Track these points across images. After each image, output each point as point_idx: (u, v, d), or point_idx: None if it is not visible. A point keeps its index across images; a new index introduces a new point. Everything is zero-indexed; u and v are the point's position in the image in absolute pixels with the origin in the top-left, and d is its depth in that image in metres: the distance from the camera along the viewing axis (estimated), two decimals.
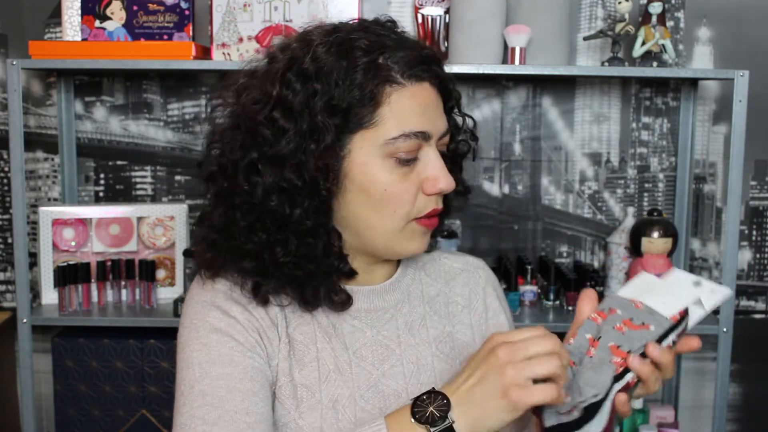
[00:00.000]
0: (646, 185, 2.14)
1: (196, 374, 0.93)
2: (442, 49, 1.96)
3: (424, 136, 0.95)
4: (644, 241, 1.89)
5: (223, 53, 1.84)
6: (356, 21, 1.00)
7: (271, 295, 0.98)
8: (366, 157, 0.94)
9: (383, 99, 0.93)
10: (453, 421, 0.85)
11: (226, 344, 0.95)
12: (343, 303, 1.00)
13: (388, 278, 1.07)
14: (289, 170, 0.93)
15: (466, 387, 0.86)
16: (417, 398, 0.88)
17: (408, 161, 0.95)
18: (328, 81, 0.92)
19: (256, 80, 0.98)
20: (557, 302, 1.96)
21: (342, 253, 0.99)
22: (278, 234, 0.95)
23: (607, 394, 0.86)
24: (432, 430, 0.85)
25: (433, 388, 0.88)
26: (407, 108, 0.94)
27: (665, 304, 0.91)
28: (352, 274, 1.00)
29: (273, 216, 0.94)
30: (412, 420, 0.86)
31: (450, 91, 1.02)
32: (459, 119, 1.07)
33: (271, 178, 0.93)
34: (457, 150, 1.08)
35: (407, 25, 2.07)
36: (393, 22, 1.01)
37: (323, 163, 0.93)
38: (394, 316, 1.05)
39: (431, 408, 0.86)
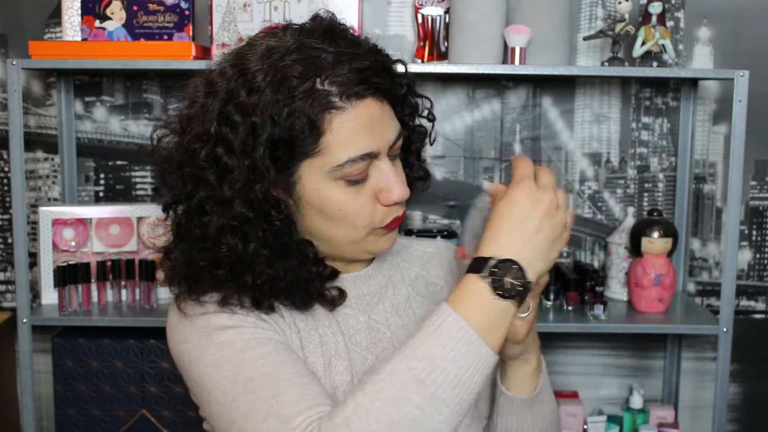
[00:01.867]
0: (646, 185, 2.14)
1: (231, 369, 0.92)
2: (442, 49, 1.96)
3: (371, 156, 0.95)
4: (644, 241, 1.89)
5: (223, 53, 1.83)
6: (298, 29, 0.97)
7: (276, 303, 0.99)
8: (315, 182, 0.95)
9: (325, 126, 0.92)
10: (530, 282, 0.87)
11: (245, 332, 0.94)
12: (336, 300, 1.02)
13: (368, 265, 1.10)
14: (238, 207, 0.93)
15: (527, 241, 0.87)
16: (482, 269, 0.86)
17: (359, 181, 0.96)
18: (266, 115, 0.90)
19: (196, 111, 0.96)
20: (557, 302, 1.96)
21: (318, 258, 1.00)
22: (239, 265, 0.95)
23: None
24: (517, 300, 0.86)
25: (487, 255, 0.87)
26: (351, 132, 0.93)
27: None
28: (334, 274, 1.02)
29: (229, 254, 0.94)
30: (495, 297, 0.86)
31: (395, 86, 1.00)
32: (414, 103, 1.07)
33: (221, 218, 0.93)
34: (411, 136, 1.07)
35: (407, 25, 2.07)
36: (333, 24, 0.99)
37: (271, 195, 0.94)
38: (381, 300, 1.08)
39: (508, 279, 0.86)
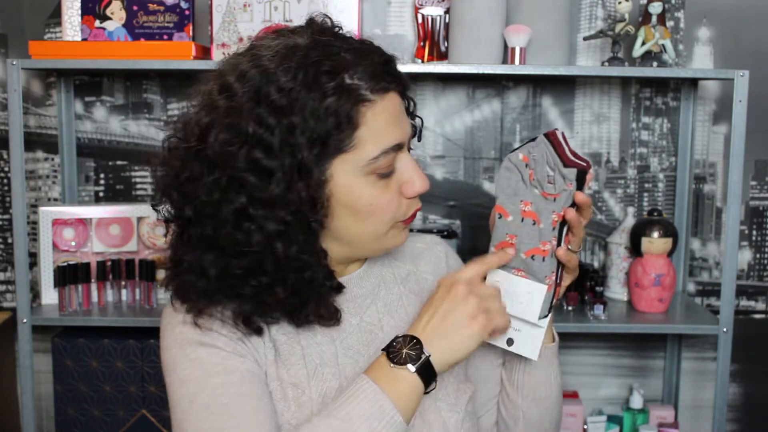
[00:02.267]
0: (646, 185, 2.14)
1: (193, 389, 0.93)
2: (442, 49, 1.96)
3: (399, 147, 0.97)
4: (644, 241, 1.89)
5: (223, 53, 1.84)
6: (303, 30, 0.97)
7: (263, 323, 0.98)
8: (348, 179, 0.95)
9: (359, 120, 0.93)
10: (429, 355, 0.93)
11: (217, 354, 0.95)
12: (333, 317, 1.01)
13: (361, 266, 1.10)
14: (281, 210, 0.91)
15: (433, 323, 0.95)
16: (388, 347, 0.94)
17: (388, 174, 0.97)
18: (304, 113, 0.90)
19: (218, 116, 0.93)
20: (557, 302, 1.95)
21: (331, 272, 1.00)
22: (278, 274, 0.94)
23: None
24: (412, 368, 0.92)
25: (398, 335, 0.95)
26: (382, 124, 0.95)
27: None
28: (340, 289, 1.02)
29: (274, 259, 0.93)
30: (391, 365, 0.92)
31: (408, 86, 1.03)
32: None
33: (269, 222, 0.91)
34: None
35: (407, 25, 2.07)
36: (334, 25, 1.00)
37: (311, 196, 0.93)
38: (374, 301, 1.08)
39: (405, 350, 0.93)
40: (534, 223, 1.02)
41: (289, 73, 0.91)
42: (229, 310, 0.96)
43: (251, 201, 0.91)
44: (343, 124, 0.92)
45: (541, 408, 1.12)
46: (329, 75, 0.91)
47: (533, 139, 1.05)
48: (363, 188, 0.96)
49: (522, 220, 1.02)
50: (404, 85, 1.00)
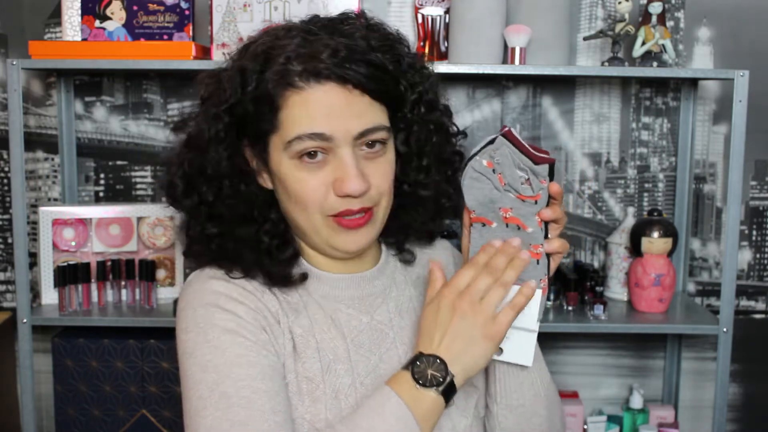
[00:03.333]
0: (646, 185, 2.14)
1: (214, 377, 0.93)
2: (442, 49, 1.96)
3: (322, 137, 0.96)
4: (644, 241, 1.89)
5: (223, 53, 1.82)
6: (288, 23, 1.03)
7: (254, 299, 1.01)
8: (279, 158, 0.99)
9: (282, 103, 0.96)
10: (453, 376, 0.93)
11: (241, 345, 0.95)
12: (296, 279, 1.04)
13: (375, 265, 1.10)
14: (204, 161, 1.01)
15: (446, 343, 0.94)
16: (411, 365, 0.94)
17: (312, 156, 0.97)
18: (233, 87, 0.98)
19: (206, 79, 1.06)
20: (557, 302, 1.96)
21: (283, 234, 1.04)
22: (223, 226, 1.02)
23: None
24: (438, 390, 0.92)
25: (420, 353, 0.95)
26: (304, 111, 0.96)
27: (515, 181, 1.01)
28: (295, 257, 1.04)
29: (200, 204, 1.02)
30: (417, 386, 0.92)
31: (391, 86, 1.00)
32: (430, 114, 1.07)
33: (193, 166, 1.02)
34: (419, 148, 1.06)
35: (407, 25, 2.07)
36: (346, 15, 1.02)
37: (236, 162, 1.01)
38: (385, 301, 1.09)
39: (430, 371, 0.93)
40: (519, 228, 1.00)
41: (238, 53, 1.01)
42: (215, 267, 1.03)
43: (193, 158, 1.03)
44: (266, 104, 0.97)
45: (517, 415, 1.09)
46: (265, 56, 0.97)
47: (491, 142, 1.02)
48: (288, 170, 0.99)
49: (507, 226, 1.01)
50: (364, 83, 0.96)
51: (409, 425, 0.91)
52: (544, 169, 1.01)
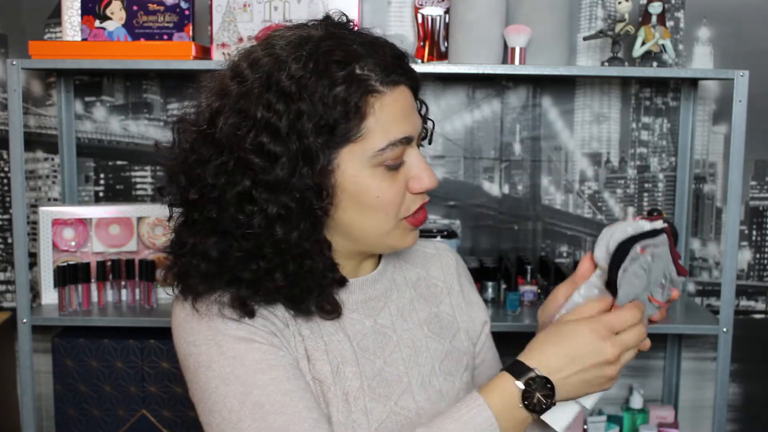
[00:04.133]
0: (646, 185, 2.14)
1: (240, 388, 0.91)
2: (442, 49, 1.96)
3: (408, 141, 0.97)
4: None
5: (223, 53, 1.84)
6: (318, 24, 0.99)
7: (260, 308, 0.97)
8: (356, 169, 0.95)
9: (368, 110, 0.93)
10: (556, 403, 0.91)
11: (257, 350, 0.94)
12: (333, 311, 1.00)
13: (375, 268, 1.10)
14: (284, 195, 0.92)
15: (569, 376, 0.91)
16: (522, 377, 0.91)
17: (396, 167, 0.97)
18: (312, 100, 0.91)
19: (229, 101, 0.94)
20: None
21: (333, 264, 0.99)
22: (277, 259, 0.94)
23: None
24: (537, 416, 0.91)
25: (536, 373, 0.91)
26: (391, 116, 0.95)
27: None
28: (343, 282, 1.01)
29: (273, 243, 0.93)
30: (521, 405, 0.90)
31: (419, 84, 1.03)
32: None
33: (271, 205, 0.92)
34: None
35: (407, 25, 2.07)
36: (349, 20, 1.01)
37: (316, 183, 0.92)
38: (387, 304, 1.08)
39: (538, 394, 0.90)
40: None
41: (300, 61, 0.92)
42: (227, 295, 0.95)
43: (255, 184, 0.92)
44: (351, 113, 0.92)
45: None
46: (339, 64, 0.92)
47: (652, 233, 0.98)
48: (369, 180, 0.95)
49: None
50: (416, 82, 1.01)
51: None
52: (680, 281, 1.01)
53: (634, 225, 0.98)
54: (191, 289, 0.97)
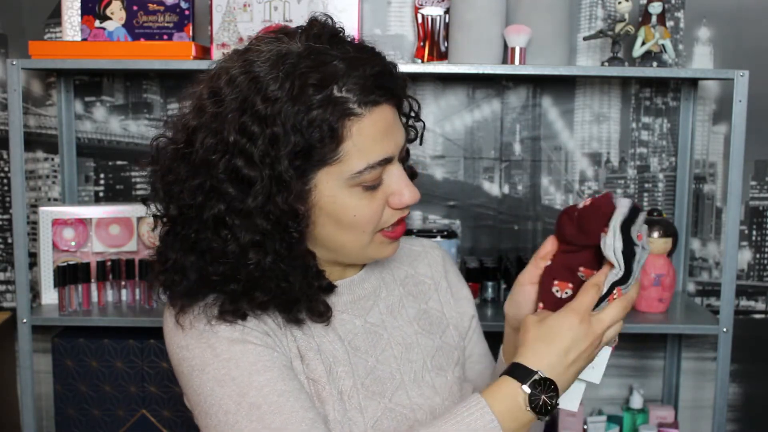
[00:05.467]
0: (646, 185, 2.14)
1: (235, 389, 0.91)
2: (442, 49, 1.96)
3: (387, 161, 0.96)
4: None
5: (223, 53, 1.83)
6: (301, 33, 0.96)
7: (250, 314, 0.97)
8: (333, 190, 0.95)
9: (345, 134, 0.92)
10: (558, 403, 0.93)
11: (251, 352, 0.93)
12: (324, 315, 1.01)
13: (361, 269, 1.10)
14: (258, 220, 0.91)
15: (568, 367, 0.93)
16: (528, 381, 0.91)
17: (375, 186, 0.96)
18: (286, 126, 0.89)
19: (205, 121, 0.93)
20: None
21: (319, 271, 1.00)
22: (254, 282, 0.94)
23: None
24: (543, 418, 0.92)
25: (540, 373, 0.91)
26: (369, 138, 0.94)
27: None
28: (330, 288, 1.02)
29: (247, 270, 0.93)
30: (527, 409, 0.91)
31: (402, 93, 1.01)
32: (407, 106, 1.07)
33: (244, 232, 0.91)
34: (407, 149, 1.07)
35: (407, 25, 2.07)
36: (335, 29, 0.98)
37: (291, 208, 0.92)
38: (376, 302, 1.08)
39: (543, 397, 0.91)
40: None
41: (276, 82, 0.90)
42: (216, 307, 0.95)
43: (228, 210, 0.92)
44: (327, 137, 0.91)
45: None
46: (316, 87, 0.90)
47: (633, 212, 0.99)
48: (347, 199, 0.95)
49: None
50: (399, 95, 0.99)
51: None
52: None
53: (616, 219, 0.97)
54: (173, 301, 0.98)
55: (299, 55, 0.92)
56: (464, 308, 1.18)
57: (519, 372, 0.92)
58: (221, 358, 0.93)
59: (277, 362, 0.94)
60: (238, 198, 0.91)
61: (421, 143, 1.11)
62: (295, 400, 0.92)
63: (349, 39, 0.99)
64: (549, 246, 1.03)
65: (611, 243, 0.96)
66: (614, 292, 0.96)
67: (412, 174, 1.09)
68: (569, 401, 1.00)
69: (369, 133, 0.93)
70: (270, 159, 0.90)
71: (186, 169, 0.93)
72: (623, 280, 0.96)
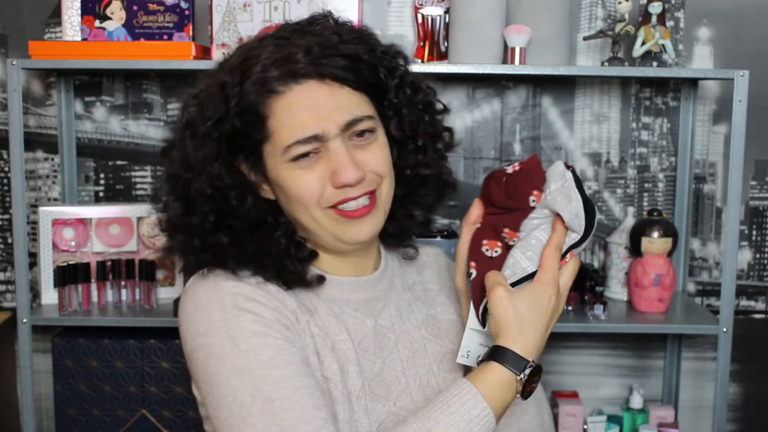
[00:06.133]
0: (646, 185, 2.14)
1: (252, 382, 0.92)
2: (442, 49, 1.96)
3: (316, 138, 0.97)
4: (644, 241, 1.89)
5: (223, 53, 1.82)
6: (282, 26, 1.04)
7: (251, 275, 1.01)
8: (274, 164, 1.00)
9: (268, 112, 0.97)
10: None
11: (271, 345, 0.94)
12: (314, 282, 1.04)
13: (376, 269, 1.11)
14: (201, 181, 0.99)
15: (542, 341, 0.96)
16: (522, 373, 0.93)
17: (305, 156, 0.98)
18: (216, 104, 0.98)
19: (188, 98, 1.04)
20: None
21: (293, 238, 1.04)
22: (206, 233, 1.02)
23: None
24: (527, 397, 0.95)
25: (532, 360, 0.93)
26: (292, 115, 0.97)
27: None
28: (313, 254, 1.05)
29: (198, 222, 1.02)
30: (518, 395, 0.94)
31: (370, 74, 1.02)
32: (412, 96, 1.08)
33: (182, 186, 1.02)
34: (412, 130, 1.07)
35: (407, 25, 2.07)
36: (314, 17, 1.04)
37: (235, 177, 1.00)
38: (386, 305, 1.09)
39: (533, 384, 0.95)
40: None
41: (226, 66, 1.01)
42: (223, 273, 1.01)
43: (178, 170, 1.02)
44: (252, 116, 0.97)
45: (507, 415, 1.05)
46: (241, 68, 0.98)
47: (572, 168, 1.02)
48: (285, 173, 0.99)
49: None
50: (343, 75, 0.99)
51: (490, 429, 0.92)
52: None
53: (569, 182, 1.00)
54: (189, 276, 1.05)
55: (258, 39, 1.02)
56: None
57: (510, 359, 0.93)
58: (241, 349, 0.93)
59: (295, 357, 0.94)
60: (180, 161, 1.02)
61: (448, 150, 1.13)
62: (309, 397, 0.91)
63: (329, 24, 1.03)
64: (476, 210, 1.05)
65: (575, 209, 0.96)
66: (567, 255, 0.98)
67: (443, 181, 1.13)
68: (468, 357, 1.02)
69: (293, 110, 0.97)
70: (205, 129, 0.98)
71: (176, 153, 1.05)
72: (579, 243, 0.98)
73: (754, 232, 2.16)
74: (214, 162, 0.99)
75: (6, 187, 2.13)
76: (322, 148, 0.98)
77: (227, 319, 0.95)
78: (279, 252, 1.02)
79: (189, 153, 1.00)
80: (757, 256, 2.17)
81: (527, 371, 0.92)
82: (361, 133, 1.00)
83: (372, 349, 1.04)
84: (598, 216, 1.01)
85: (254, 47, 1.00)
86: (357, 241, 1.02)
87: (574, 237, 0.97)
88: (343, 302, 1.05)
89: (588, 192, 2.16)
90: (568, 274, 0.98)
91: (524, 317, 0.94)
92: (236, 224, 1.01)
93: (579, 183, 0.99)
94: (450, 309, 1.16)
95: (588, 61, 2.09)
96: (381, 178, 1.02)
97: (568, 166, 1.01)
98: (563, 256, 0.97)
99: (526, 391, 0.93)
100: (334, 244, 1.04)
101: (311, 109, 0.97)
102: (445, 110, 1.13)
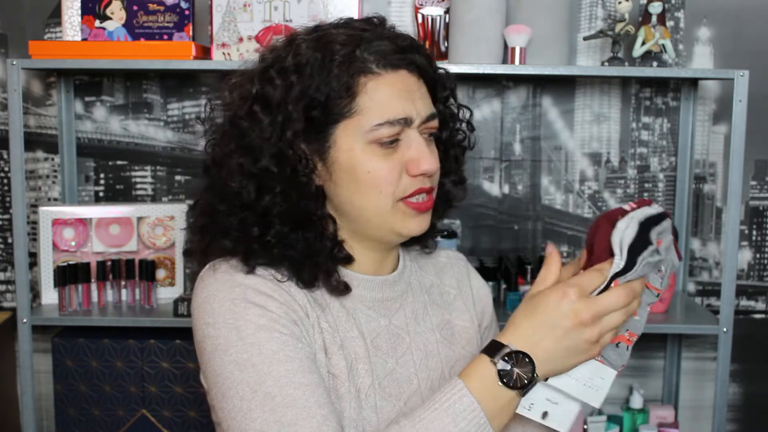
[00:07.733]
0: (646, 185, 2.14)
1: (254, 376, 0.92)
2: (442, 49, 1.96)
3: (405, 122, 0.99)
4: None
5: (223, 53, 1.84)
6: (343, 20, 1.04)
7: (264, 268, 1.00)
8: (350, 144, 0.98)
9: (359, 89, 0.98)
10: (538, 379, 0.89)
11: (276, 340, 0.94)
12: (341, 288, 1.02)
13: (394, 269, 1.11)
14: (265, 159, 0.97)
15: (549, 345, 0.88)
16: (496, 357, 0.88)
17: (390, 143, 0.99)
18: (303, 74, 0.97)
19: (245, 79, 1.02)
20: None
21: (336, 238, 1.02)
22: (252, 217, 0.99)
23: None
24: (520, 393, 0.88)
25: (510, 346, 0.88)
26: (386, 95, 0.98)
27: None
28: (348, 259, 1.04)
29: (241, 200, 0.99)
30: (499, 384, 0.88)
31: (435, 80, 1.06)
32: (455, 110, 1.12)
33: (243, 166, 0.98)
34: (451, 140, 1.11)
35: (407, 25, 2.07)
36: (382, 20, 1.05)
37: (300, 151, 0.98)
38: (402, 306, 1.09)
39: (518, 370, 0.88)
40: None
41: (307, 42, 1.00)
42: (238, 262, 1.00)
43: (237, 147, 0.99)
44: (342, 90, 0.97)
45: None
46: (341, 45, 0.98)
47: (661, 217, 0.97)
48: (362, 154, 0.98)
49: None
50: (425, 70, 1.03)
51: (481, 425, 0.87)
52: (678, 266, 1.00)
53: (639, 213, 0.97)
54: (196, 249, 1.05)
55: (333, 25, 1.02)
56: (485, 303, 1.22)
57: (492, 348, 0.90)
58: (245, 342, 0.93)
59: (300, 354, 0.94)
60: (246, 134, 0.99)
61: (471, 147, 1.15)
62: (311, 394, 0.91)
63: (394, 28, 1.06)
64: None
65: (621, 229, 0.94)
66: (612, 284, 0.92)
67: (459, 180, 1.13)
68: (558, 421, 0.93)
69: (385, 91, 0.98)
70: (284, 103, 0.97)
71: (222, 120, 1.04)
72: (622, 272, 0.93)
73: (754, 232, 2.16)
74: (291, 129, 0.98)
75: (6, 187, 2.13)
76: (403, 136, 0.99)
77: (235, 311, 0.95)
78: (319, 251, 1.01)
79: (257, 129, 0.98)
80: (757, 256, 2.17)
81: (500, 354, 0.88)
82: (429, 134, 1.03)
83: (385, 348, 1.04)
84: (666, 268, 0.97)
85: (342, 31, 1.00)
86: (413, 234, 1.03)
87: (617, 263, 0.93)
88: (357, 300, 1.05)
89: (588, 192, 2.18)
90: (609, 295, 0.90)
91: (523, 311, 0.92)
92: (287, 215, 0.99)
93: (653, 222, 0.97)
94: (465, 316, 1.16)
95: (588, 61, 2.09)
96: (437, 179, 1.05)
97: (665, 213, 0.99)
98: (609, 284, 0.92)
99: (513, 381, 0.88)
100: (383, 236, 1.04)
101: (404, 94, 0.99)
102: (471, 128, 1.16)
